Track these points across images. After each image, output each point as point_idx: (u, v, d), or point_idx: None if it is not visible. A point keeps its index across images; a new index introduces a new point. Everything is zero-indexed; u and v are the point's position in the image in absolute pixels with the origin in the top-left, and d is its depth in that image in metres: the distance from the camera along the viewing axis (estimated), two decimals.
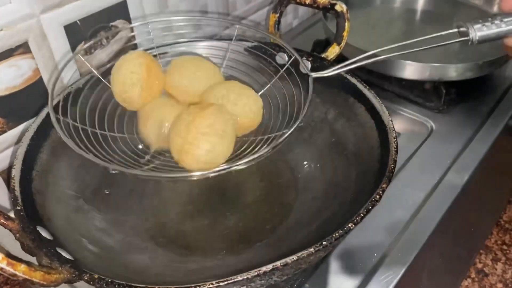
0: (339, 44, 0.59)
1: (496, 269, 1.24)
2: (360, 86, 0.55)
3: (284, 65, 0.56)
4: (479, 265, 1.26)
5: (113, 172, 0.45)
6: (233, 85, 0.53)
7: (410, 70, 0.71)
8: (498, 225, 1.34)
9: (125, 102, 0.52)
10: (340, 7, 0.58)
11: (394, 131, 0.48)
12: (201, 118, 0.46)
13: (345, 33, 0.58)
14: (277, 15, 0.63)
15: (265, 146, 0.48)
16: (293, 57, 0.55)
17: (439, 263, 0.76)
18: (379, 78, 0.76)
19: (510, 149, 0.88)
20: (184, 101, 0.54)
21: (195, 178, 0.47)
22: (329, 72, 0.53)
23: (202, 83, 0.53)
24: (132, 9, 0.64)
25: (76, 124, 0.50)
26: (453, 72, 0.70)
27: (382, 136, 0.50)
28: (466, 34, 0.46)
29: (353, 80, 0.55)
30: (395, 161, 0.46)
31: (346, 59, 0.73)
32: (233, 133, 0.48)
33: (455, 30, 0.48)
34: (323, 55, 0.59)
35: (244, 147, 0.51)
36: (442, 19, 0.89)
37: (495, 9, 0.87)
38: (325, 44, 0.58)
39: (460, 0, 0.91)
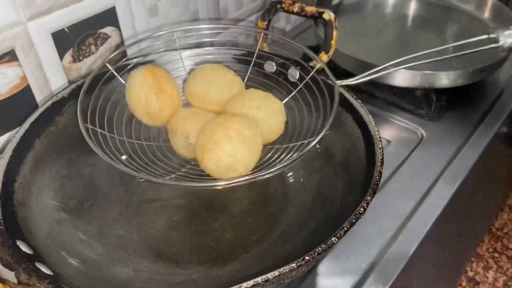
0: (327, 52, 0.59)
1: (487, 277, 1.24)
2: (347, 95, 0.54)
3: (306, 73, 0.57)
4: (471, 273, 1.26)
5: (140, 180, 0.47)
6: (258, 94, 0.54)
7: (401, 78, 0.70)
8: (490, 233, 1.34)
9: (149, 117, 0.54)
10: (328, 15, 0.57)
11: (380, 142, 0.48)
12: (230, 122, 0.47)
13: (333, 42, 0.58)
14: (265, 22, 0.63)
15: (289, 156, 0.49)
16: (318, 65, 0.56)
17: (429, 271, 0.76)
18: (370, 85, 0.75)
19: (501, 156, 0.88)
20: (205, 109, 0.55)
21: (220, 187, 0.46)
22: (354, 81, 0.54)
23: (219, 90, 0.54)
24: (121, 15, 0.64)
25: (104, 132, 0.51)
26: (443, 79, 0.70)
27: (369, 146, 0.49)
28: (496, 40, 0.46)
29: (341, 90, 0.55)
30: (380, 173, 0.45)
31: (337, 66, 0.74)
32: (259, 147, 0.49)
33: (485, 36, 0.47)
34: (311, 63, 0.59)
35: (268, 156, 0.52)
36: (434, 24, 0.89)
37: (486, 15, 0.87)
38: (316, 51, 0.58)
39: (451, 5, 0.91)
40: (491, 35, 0.46)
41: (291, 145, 0.52)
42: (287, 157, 0.50)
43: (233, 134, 0.46)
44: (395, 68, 0.49)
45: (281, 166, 0.46)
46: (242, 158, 0.47)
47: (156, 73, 0.53)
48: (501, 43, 0.45)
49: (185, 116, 0.54)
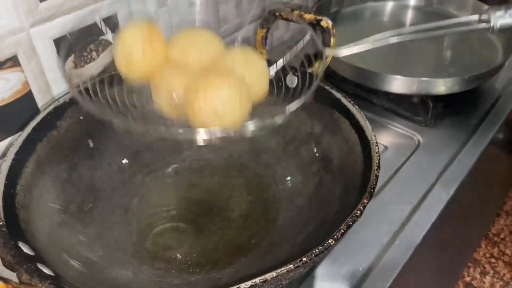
0: (325, 59, 0.60)
1: (484, 283, 1.24)
2: (345, 101, 0.55)
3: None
4: (467, 278, 1.26)
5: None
6: (239, 57, 0.51)
7: (398, 84, 0.71)
8: (487, 238, 1.35)
9: (129, 67, 0.50)
10: (326, 23, 0.58)
11: (377, 147, 0.49)
12: (230, 73, 0.46)
13: (330, 47, 0.59)
14: (264, 30, 0.64)
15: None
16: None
17: (426, 276, 0.76)
18: (367, 91, 0.76)
19: (497, 162, 0.89)
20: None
21: (204, 137, 0.44)
22: (343, 48, 0.54)
23: (198, 52, 0.51)
24: (122, 23, 0.65)
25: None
26: (440, 86, 0.71)
27: (366, 151, 0.50)
28: (487, 21, 0.46)
29: (338, 95, 0.56)
30: (377, 177, 0.46)
31: (334, 73, 0.75)
32: (248, 104, 0.47)
33: (477, 16, 0.48)
34: (309, 70, 0.60)
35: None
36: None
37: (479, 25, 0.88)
38: (314, 58, 0.59)
39: (448, 14, 0.92)
40: (483, 16, 0.47)
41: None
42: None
43: (232, 81, 0.45)
44: (381, 43, 0.49)
45: (275, 116, 0.44)
46: (234, 108, 0.45)
47: (152, 30, 0.51)
48: (492, 23, 0.45)
49: (169, 73, 0.50)
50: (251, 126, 0.44)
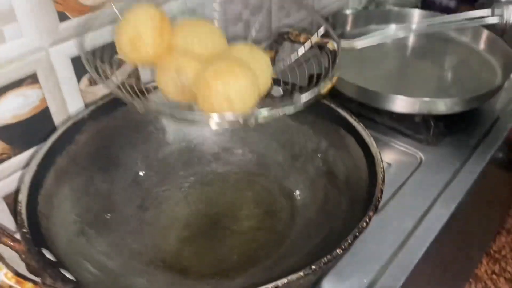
0: (331, 79, 0.62)
1: None
2: (350, 119, 0.58)
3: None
4: None
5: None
6: (244, 51, 0.51)
7: (400, 104, 0.73)
8: (488, 255, 1.35)
9: (135, 51, 0.49)
10: (332, 45, 0.61)
11: (381, 162, 0.51)
12: (245, 63, 0.46)
13: (336, 70, 0.61)
14: (273, 52, 0.66)
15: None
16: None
17: None
18: (370, 110, 0.78)
19: (497, 181, 0.90)
20: None
21: (216, 121, 0.44)
22: (357, 40, 0.56)
23: (202, 42, 0.51)
24: None
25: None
26: (441, 106, 0.73)
27: (370, 166, 0.52)
28: (500, 13, 0.47)
29: (344, 113, 0.58)
30: (381, 191, 0.48)
31: (339, 93, 0.78)
32: (258, 90, 0.48)
33: (489, 10, 0.49)
34: (317, 89, 0.62)
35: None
36: (432, 54, 0.92)
37: (481, 46, 0.91)
38: (318, 79, 0.61)
39: (449, 37, 0.95)
40: (496, 10, 0.48)
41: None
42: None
43: (247, 70, 0.45)
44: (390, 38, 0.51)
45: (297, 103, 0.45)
46: (247, 96, 0.46)
47: (163, 18, 0.50)
48: (505, 17, 0.47)
49: (177, 54, 0.50)
50: (261, 113, 0.45)
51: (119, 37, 0.50)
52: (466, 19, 0.52)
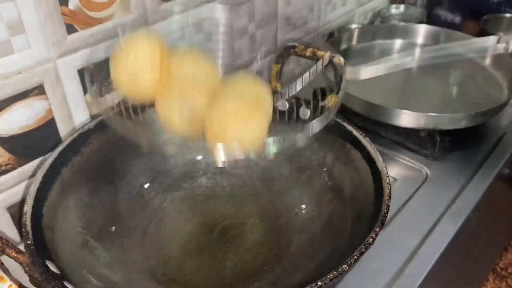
0: (337, 94, 0.62)
1: None
2: (356, 133, 0.57)
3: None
4: None
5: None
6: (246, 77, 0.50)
7: (406, 119, 0.73)
8: (495, 272, 1.34)
9: (133, 88, 0.48)
10: (339, 60, 0.61)
11: (387, 177, 0.51)
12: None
13: (342, 84, 0.61)
14: (279, 65, 0.66)
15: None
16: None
17: None
18: (376, 125, 0.78)
19: (504, 197, 0.90)
20: None
21: (226, 159, 0.44)
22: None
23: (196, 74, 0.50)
24: None
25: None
26: (447, 121, 0.73)
27: (377, 181, 0.52)
28: (507, 41, 0.48)
29: (350, 128, 0.58)
30: (388, 206, 0.48)
31: (345, 107, 0.78)
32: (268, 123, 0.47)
33: (495, 37, 0.49)
34: (322, 104, 0.62)
35: None
36: (437, 70, 0.92)
37: (487, 61, 0.90)
38: (324, 93, 0.61)
39: (453, 53, 0.95)
40: (503, 38, 0.48)
41: None
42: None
43: (262, 109, 0.46)
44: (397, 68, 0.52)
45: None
46: (261, 135, 0.46)
47: (163, 49, 0.48)
48: (510, 47, 0.47)
49: (179, 85, 0.48)
50: (272, 147, 0.45)
51: (117, 70, 0.48)
52: (472, 48, 0.52)
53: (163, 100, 0.48)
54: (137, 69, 0.46)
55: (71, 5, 0.57)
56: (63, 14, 0.56)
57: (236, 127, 0.45)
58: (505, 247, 1.39)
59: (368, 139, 0.56)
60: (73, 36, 0.59)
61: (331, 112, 0.49)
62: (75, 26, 0.58)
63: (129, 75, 0.47)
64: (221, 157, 0.44)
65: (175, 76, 0.49)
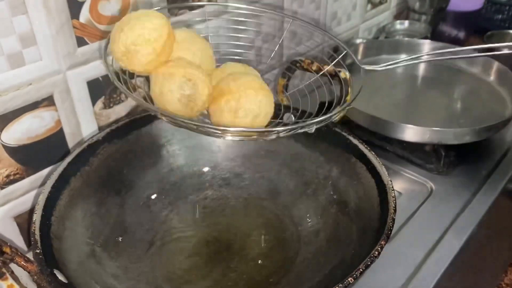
0: (341, 106, 0.62)
1: None
2: (361, 147, 0.58)
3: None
4: None
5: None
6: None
7: (411, 133, 0.74)
8: None
9: (129, 57, 0.47)
10: (344, 74, 0.62)
11: (393, 191, 0.51)
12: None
13: (348, 98, 0.62)
14: (285, 79, 0.67)
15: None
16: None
17: None
18: (381, 139, 0.79)
19: (508, 212, 0.89)
20: None
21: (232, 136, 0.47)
22: (381, 67, 0.59)
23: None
24: None
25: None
26: (452, 136, 0.73)
27: (382, 195, 0.52)
28: None
29: (355, 141, 0.59)
30: (393, 220, 0.48)
31: (350, 120, 0.78)
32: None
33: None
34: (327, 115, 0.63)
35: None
36: (442, 85, 0.93)
37: (491, 77, 0.91)
38: (329, 106, 0.62)
39: (459, 68, 0.96)
40: None
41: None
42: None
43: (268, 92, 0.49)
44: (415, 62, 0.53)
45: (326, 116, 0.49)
46: (265, 114, 0.49)
47: (171, 30, 0.49)
48: None
49: (182, 62, 0.48)
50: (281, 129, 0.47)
51: (116, 41, 0.48)
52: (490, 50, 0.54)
53: (162, 77, 0.48)
54: (142, 38, 0.47)
55: (82, 18, 0.58)
56: (74, 27, 0.57)
57: (259, 98, 0.48)
58: (510, 262, 1.38)
59: (373, 152, 0.57)
60: (83, 48, 0.60)
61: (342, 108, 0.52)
62: (86, 38, 0.59)
63: (131, 38, 0.47)
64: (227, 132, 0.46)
65: (175, 56, 0.50)
